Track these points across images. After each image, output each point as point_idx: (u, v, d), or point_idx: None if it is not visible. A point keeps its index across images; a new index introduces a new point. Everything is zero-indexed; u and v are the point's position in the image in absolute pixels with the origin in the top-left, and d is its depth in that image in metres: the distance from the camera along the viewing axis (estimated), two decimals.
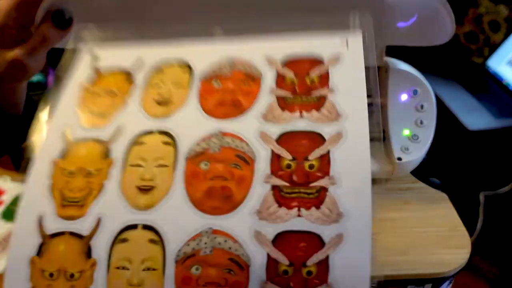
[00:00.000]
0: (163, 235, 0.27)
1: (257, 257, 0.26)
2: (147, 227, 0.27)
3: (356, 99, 0.28)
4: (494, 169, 1.23)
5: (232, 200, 0.27)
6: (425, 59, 1.45)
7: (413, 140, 0.48)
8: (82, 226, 0.28)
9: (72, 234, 0.28)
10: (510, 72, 1.25)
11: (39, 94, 1.75)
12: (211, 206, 0.27)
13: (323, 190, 0.27)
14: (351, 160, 0.27)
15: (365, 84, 0.28)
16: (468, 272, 1.15)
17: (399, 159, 0.47)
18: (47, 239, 0.29)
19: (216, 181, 0.28)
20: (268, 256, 0.26)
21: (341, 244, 0.26)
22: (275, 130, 0.29)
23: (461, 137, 1.21)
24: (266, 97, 0.29)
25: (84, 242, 0.28)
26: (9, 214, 1.32)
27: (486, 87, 1.33)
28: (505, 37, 1.30)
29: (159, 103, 0.30)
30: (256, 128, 0.29)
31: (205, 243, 0.26)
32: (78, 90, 0.32)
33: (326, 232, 0.26)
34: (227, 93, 0.29)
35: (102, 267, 0.27)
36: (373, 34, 0.30)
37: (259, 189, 0.27)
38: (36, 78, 1.69)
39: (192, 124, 0.30)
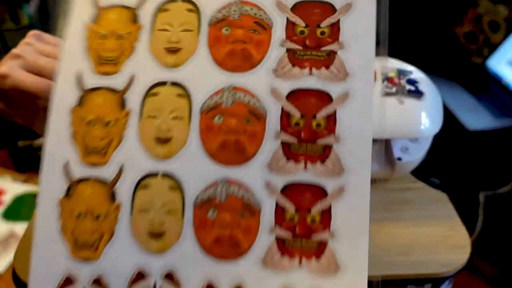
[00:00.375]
0: (181, 183, 0.29)
1: (267, 203, 0.29)
2: (166, 176, 0.30)
3: (365, 56, 0.31)
4: (494, 169, 1.22)
5: (245, 154, 0.29)
6: (425, 59, 1.46)
7: (413, 140, 0.48)
8: (106, 172, 0.30)
9: (97, 180, 0.30)
10: (510, 72, 1.25)
11: None
12: (226, 158, 0.29)
13: (328, 147, 0.29)
14: (355, 120, 0.29)
15: (374, 38, 0.30)
16: (468, 272, 1.15)
17: (399, 159, 0.47)
18: (73, 184, 0.31)
19: (230, 135, 0.30)
20: (277, 203, 0.29)
21: (343, 194, 0.28)
22: (285, 86, 0.30)
23: (461, 137, 1.21)
24: (276, 50, 0.30)
25: (108, 187, 0.30)
26: (9, 214, 1.32)
27: (486, 87, 1.34)
28: (505, 37, 1.30)
29: (170, 51, 0.31)
30: (267, 84, 0.30)
31: (220, 191, 0.29)
32: (82, 31, 0.32)
33: (330, 185, 0.28)
34: (237, 43, 0.30)
35: (126, 209, 0.30)
36: None
37: (270, 145, 0.29)
38: None
39: (204, 76, 0.31)
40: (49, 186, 0.32)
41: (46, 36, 0.45)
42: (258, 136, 0.30)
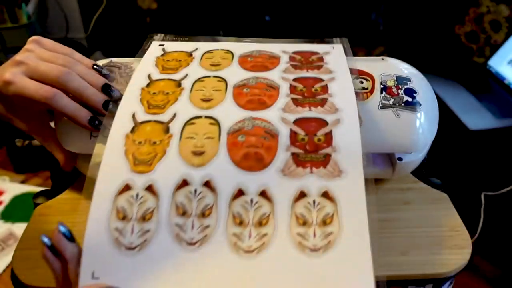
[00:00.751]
0: (219, 121, 0.39)
1: (283, 130, 0.39)
2: (207, 117, 0.40)
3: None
4: (495, 170, 1.22)
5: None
6: (426, 58, 1.46)
7: None
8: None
9: (156, 121, 0.40)
10: (511, 72, 1.24)
11: None
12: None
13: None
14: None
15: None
16: (469, 272, 1.15)
17: (400, 159, 0.47)
18: (137, 124, 0.40)
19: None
20: (290, 130, 0.39)
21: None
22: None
23: (462, 137, 1.21)
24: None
25: (164, 125, 0.40)
26: (8, 214, 1.32)
27: (487, 87, 1.33)
28: (506, 36, 1.29)
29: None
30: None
31: (248, 124, 0.39)
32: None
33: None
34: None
35: (176, 137, 0.38)
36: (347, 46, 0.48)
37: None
38: None
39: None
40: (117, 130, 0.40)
41: (46, 41, 0.45)
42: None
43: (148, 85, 0.43)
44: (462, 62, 1.43)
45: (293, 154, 0.37)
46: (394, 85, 0.45)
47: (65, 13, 1.76)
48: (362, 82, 0.45)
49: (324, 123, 0.39)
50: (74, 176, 0.51)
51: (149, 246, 0.34)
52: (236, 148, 0.38)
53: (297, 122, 0.39)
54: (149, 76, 0.44)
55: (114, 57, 0.50)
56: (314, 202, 0.35)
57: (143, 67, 0.46)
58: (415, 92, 0.45)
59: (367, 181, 0.35)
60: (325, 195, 0.35)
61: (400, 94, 0.45)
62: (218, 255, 0.33)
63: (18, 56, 0.43)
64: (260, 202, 0.35)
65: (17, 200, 1.35)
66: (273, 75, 0.43)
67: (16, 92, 0.41)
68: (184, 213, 0.35)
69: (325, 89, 0.41)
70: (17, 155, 1.49)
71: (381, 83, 0.45)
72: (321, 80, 0.43)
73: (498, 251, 1.20)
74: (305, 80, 0.43)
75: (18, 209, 1.31)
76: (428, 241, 0.45)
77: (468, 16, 1.39)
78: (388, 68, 0.47)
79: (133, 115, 0.40)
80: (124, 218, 0.35)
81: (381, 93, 0.45)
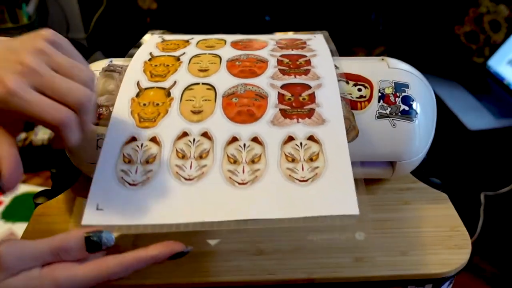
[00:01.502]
0: (215, 87, 0.44)
1: (272, 93, 0.43)
2: (204, 84, 0.45)
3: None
4: (494, 170, 1.22)
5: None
6: (426, 59, 1.46)
7: None
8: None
9: (158, 87, 0.44)
10: (511, 72, 1.24)
11: None
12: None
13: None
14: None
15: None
16: (468, 272, 1.15)
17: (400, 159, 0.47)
18: (142, 90, 0.44)
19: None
20: (278, 93, 0.43)
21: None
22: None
23: (462, 137, 1.21)
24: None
25: (166, 90, 0.44)
26: (8, 214, 1.32)
27: (486, 87, 1.33)
28: (506, 37, 1.29)
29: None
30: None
31: (240, 88, 0.44)
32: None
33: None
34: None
35: (177, 100, 0.43)
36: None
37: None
38: None
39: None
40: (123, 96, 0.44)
41: (63, 41, 0.37)
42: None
43: (137, 95, 0.44)
44: (462, 62, 1.43)
45: (281, 109, 0.42)
46: (392, 93, 0.46)
47: (65, 13, 1.76)
48: (360, 90, 0.46)
49: (307, 87, 0.44)
50: (74, 176, 0.51)
51: (150, 182, 0.37)
52: (230, 107, 0.42)
53: (284, 87, 0.44)
54: (138, 84, 0.45)
55: (114, 57, 0.50)
56: (301, 144, 0.39)
57: (131, 74, 0.46)
58: (413, 100, 0.46)
59: (357, 181, 0.36)
60: (311, 138, 0.40)
61: (397, 103, 0.45)
62: (214, 187, 0.37)
63: (27, 58, 0.33)
64: (252, 145, 0.39)
65: (18, 200, 1.35)
66: (261, 82, 0.45)
67: (18, 107, 0.32)
68: (183, 157, 0.39)
69: (312, 98, 0.43)
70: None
71: (379, 91, 0.45)
72: (309, 87, 0.44)
73: (498, 251, 1.20)
74: (292, 87, 0.45)
75: (19, 209, 1.31)
76: (428, 241, 0.45)
77: (467, 16, 1.39)
78: (387, 72, 0.47)
79: (138, 83, 0.45)
80: (129, 162, 0.39)
81: (379, 101, 0.45)
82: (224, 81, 0.45)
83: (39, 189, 0.62)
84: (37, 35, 0.36)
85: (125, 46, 0.52)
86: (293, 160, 0.38)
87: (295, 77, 0.45)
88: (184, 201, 0.36)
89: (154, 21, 1.65)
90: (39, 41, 0.35)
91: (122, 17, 1.69)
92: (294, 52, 0.49)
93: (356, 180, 0.36)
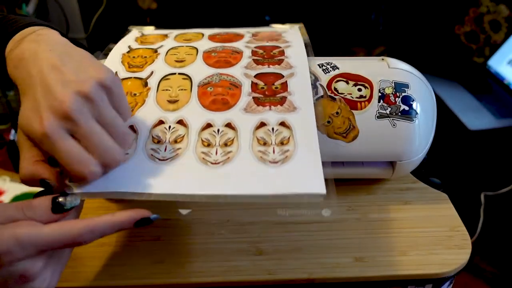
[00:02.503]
0: (191, 77, 0.46)
1: (245, 82, 0.45)
2: (180, 74, 0.46)
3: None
4: (495, 170, 1.22)
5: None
6: (426, 58, 1.46)
7: None
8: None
9: (135, 78, 0.45)
10: (511, 72, 1.24)
11: None
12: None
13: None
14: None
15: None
16: (468, 272, 1.15)
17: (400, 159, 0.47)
18: None
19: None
20: (251, 82, 0.45)
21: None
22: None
23: (462, 137, 1.21)
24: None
25: (143, 81, 0.45)
26: None
27: (487, 87, 1.33)
28: (506, 36, 1.29)
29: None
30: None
31: (215, 78, 0.45)
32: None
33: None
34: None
35: (153, 90, 0.44)
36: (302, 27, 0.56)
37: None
38: None
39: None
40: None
41: (116, 87, 0.35)
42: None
43: None
44: (462, 62, 1.43)
45: (254, 98, 0.43)
46: (392, 93, 0.46)
47: (65, 13, 1.76)
48: (360, 90, 0.46)
49: (280, 76, 0.45)
50: None
51: (128, 162, 0.38)
52: (206, 96, 0.44)
53: (257, 76, 0.46)
54: (115, 74, 0.44)
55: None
56: (273, 129, 0.40)
57: (109, 65, 0.47)
58: (413, 100, 0.46)
59: (327, 181, 0.37)
60: (282, 124, 0.41)
61: (397, 103, 0.45)
62: (188, 166, 0.38)
63: (71, 101, 0.32)
64: (226, 130, 0.41)
65: (18, 200, 1.35)
66: (236, 71, 0.46)
67: (48, 149, 0.32)
68: (158, 142, 0.40)
69: (284, 86, 0.44)
70: (17, 155, 1.49)
71: (379, 91, 0.45)
72: (282, 76, 0.46)
73: (498, 251, 1.20)
74: (265, 76, 0.46)
75: None
76: (428, 241, 0.45)
77: (468, 16, 1.39)
78: (387, 72, 0.47)
79: (115, 74, 0.44)
80: None
81: (379, 101, 0.45)
82: (199, 71, 0.46)
83: (39, 189, 0.62)
84: (94, 72, 0.34)
85: None
86: (264, 144, 0.39)
87: (268, 67, 0.46)
88: (158, 176, 0.37)
89: (154, 21, 1.65)
90: (91, 84, 0.33)
91: (122, 17, 1.69)
92: (269, 43, 0.51)
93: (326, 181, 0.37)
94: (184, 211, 0.41)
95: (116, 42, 0.53)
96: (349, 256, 0.43)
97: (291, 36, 0.52)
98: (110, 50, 0.50)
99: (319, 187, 0.35)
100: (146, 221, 0.34)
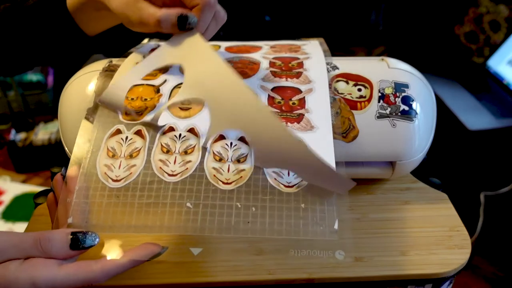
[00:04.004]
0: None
1: (262, 95, 0.43)
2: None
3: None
4: (494, 169, 1.22)
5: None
6: (425, 58, 1.46)
7: None
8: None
9: (148, 84, 0.44)
10: (511, 72, 1.24)
11: (39, 94, 1.75)
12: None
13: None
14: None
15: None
16: (468, 272, 1.15)
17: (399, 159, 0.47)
18: (130, 87, 0.43)
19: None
20: (268, 95, 0.43)
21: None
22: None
23: (462, 137, 1.21)
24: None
25: (155, 87, 0.44)
26: (9, 214, 1.32)
27: (486, 87, 1.33)
28: (506, 37, 1.29)
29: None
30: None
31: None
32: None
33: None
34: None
35: (165, 96, 0.42)
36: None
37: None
38: (36, 77, 1.69)
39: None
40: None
41: None
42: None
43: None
44: (462, 62, 1.43)
45: None
46: (392, 93, 0.46)
47: None
48: (360, 90, 0.46)
49: (298, 91, 0.44)
50: None
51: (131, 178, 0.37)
52: None
53: (274, 89, 0.44)
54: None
55: (114, 57, 0.50)
56: None
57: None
58: (413, 100, 0.46)
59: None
60: None
61: (397, 103, 0.45)
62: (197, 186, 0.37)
63: None
64: (239, 145, 0.39)
65: (18, 200, 1.35)
66: (252, 83, 0.44)
67: None
68: (167, 152, 0.39)
69: (302, 103, 0.43)
70: (18, 155, 1.49)
71: (379, 91, 0.46)
72: (300, 91, 0.44)
73: (498, 251, 1.20)
74: (283, 90, 0.44)
75: (19, 209, 1.32)
76: (427, 240, 0.45)
77: (467, 16, 1.39)
78: (387, 72, 0.47)
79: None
80: (113, 156, 0.39)
81: (379, 101, 0.45)
82: (207, 123, 0.43)
83: (40, 189, 0.62)
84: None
85: (125, 47, 0.52)
86: None
87: (286, 80, 0.45)
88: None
89: None
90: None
91: None
92: (287, 55, 0.49)
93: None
94: (195, 250, 0.40)
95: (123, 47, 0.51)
96: (349, 256, 0.43)
97: (311, 48, 0.51)
98: (128, 55, 0.49)
99: (332, 234, 0.35)
100: (157, 255, 0.35)
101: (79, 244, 0.33)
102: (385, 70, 0.48)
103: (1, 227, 1.25)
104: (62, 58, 0.49)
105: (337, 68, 0.47)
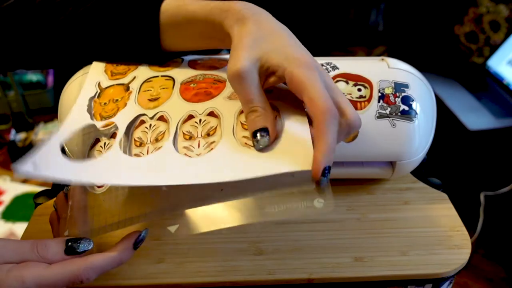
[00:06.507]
0: (174, 78, 0.45)
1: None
2: (163, 76, 0.46)
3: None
4: (494, 169, 1.22)
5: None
6: (425, 58, 1.46)
7: None
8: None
9: (118, 84, 0.45)
10: (511, 72, 1.24)
11: (39, 94, 1.75)
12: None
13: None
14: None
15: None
16: (468, 272, 1.16)
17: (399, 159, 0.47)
18: (102, 90, 0.45)
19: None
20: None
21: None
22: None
23: (461, 137, 1.21)
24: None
25: (125, 86, 0.45)
26: (9, 214, 1.32)
27: (486, 87, 1.33)
28: (506, 37, 1.29)
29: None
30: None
31: (199, 76, 0.45)
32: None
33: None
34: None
35: (135, 92, 0.44)
36: None
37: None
38: (36, 77, 1.69)
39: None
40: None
41: None
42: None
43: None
44: (461, 62, 1.43)
45: None
46: (392, 93, 0.46)
47: None
48: (360, 90, 0.46)
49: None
50: None
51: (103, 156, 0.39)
52: (188, 91, 0.43)
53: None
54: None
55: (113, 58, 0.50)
56: None
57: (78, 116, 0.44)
58: (413, 100, 0.46)
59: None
60: None
61: (397, 103, 0.45)
62: (170, 160, 0.37)
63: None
64: (208, 119, 0.40)
65: (18, 200, 1.35)
66: (217, 103, 0.42)
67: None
68: (141, 144, 0.39)
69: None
70: (18, 155, 1.49)
71: (379, 91, 0.45)
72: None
73: (498, 250, 1.20)
74: None
75: (19, 209, 1.32)
76: (427, 241, 0.45)
77: (467, 16, 1.39)
78: (387, 72, 0.47)
79: (99, 84, 0.45)
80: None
81: (379, 101, 0.45)
82: (175, 108, 0.42)
83: (40, 189, 0.62)
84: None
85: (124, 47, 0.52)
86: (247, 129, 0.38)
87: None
88: (140, 169, 0.37)
89: None
90: None
91: None
92: None
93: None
94: (172, 228, 0.39)
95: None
96: (349, 256, 0.43)
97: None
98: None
99: (304, 164, 0.34)
100: (140, 241, 0.36)
101: (73, 249, 0.34)
102: (385, 70, 0.48)
103: (1, 227, 1.25)
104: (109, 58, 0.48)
105: (337, 68, 0.47)
